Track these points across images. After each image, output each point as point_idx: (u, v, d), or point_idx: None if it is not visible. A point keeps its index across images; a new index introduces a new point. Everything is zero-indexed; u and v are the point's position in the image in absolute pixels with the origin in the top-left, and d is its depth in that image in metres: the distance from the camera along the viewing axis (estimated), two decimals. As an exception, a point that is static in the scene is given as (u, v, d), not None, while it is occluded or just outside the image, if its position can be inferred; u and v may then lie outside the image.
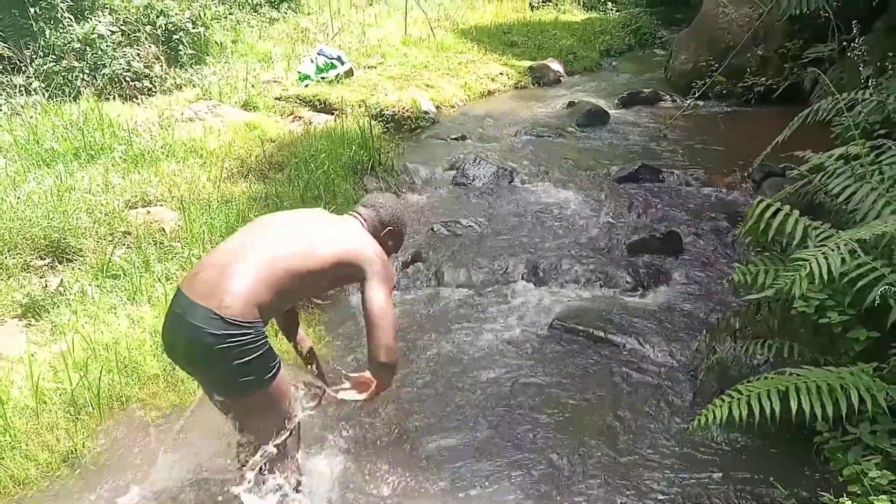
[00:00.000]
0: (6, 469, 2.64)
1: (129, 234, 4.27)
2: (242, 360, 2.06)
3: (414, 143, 6.78)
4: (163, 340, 2.28)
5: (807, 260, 2.40)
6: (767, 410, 2.29)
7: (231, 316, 2.04)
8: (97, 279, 3.82)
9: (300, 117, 6.92)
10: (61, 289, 3.69)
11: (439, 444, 2.88)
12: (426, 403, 3.14)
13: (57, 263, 3.99)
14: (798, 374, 2.41)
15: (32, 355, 3.17)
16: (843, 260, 2.39)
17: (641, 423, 2.96)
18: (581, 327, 3.61)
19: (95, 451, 2.82)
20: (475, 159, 5.93)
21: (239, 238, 2.31)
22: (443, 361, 3.44)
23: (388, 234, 2.53)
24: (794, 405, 2.28)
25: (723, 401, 2.39)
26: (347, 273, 2.33)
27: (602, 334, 3.55)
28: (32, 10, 6.97)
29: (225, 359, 2.05)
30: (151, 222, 4.39)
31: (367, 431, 2.96)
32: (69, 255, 4.03)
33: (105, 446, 2.86)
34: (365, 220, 2.49)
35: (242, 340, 2.05)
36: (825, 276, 2.35)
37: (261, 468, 2.35)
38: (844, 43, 5.56)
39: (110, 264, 3.89)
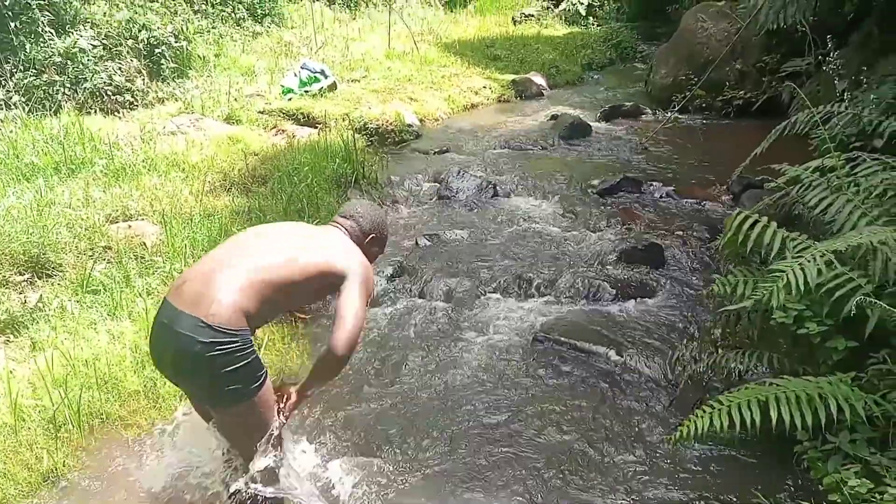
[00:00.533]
0: (-17, 489, 2.60)
1: (110, 248, 4.24)
2: (229, 368, 2.06)
3: (398, 156, 6.79)
4: (150, 351, 2.26)
5: (784, 271, 2.43)
6: (748, 420, 2.31)
7: (218, 324, 2.04)
8: (77, 294, 3.78)
9: (283, 131, 6.91)
10: (40, 304, 3.65)
11: (420, 455, 2.88)
12: (408, 415, 3.13)
13: (36, 279, 3.95)
14: (778, 384, 2.43)
15: (11, 372, 3.13)
16: (819, 271, 2.42)
17: (623, 434, 2.97)
18: (564, 339, 3.62)
19: (76, 470, 2.78)
20: (459, 172, 5.95)
21: (224, 249, 2.31)
22: (425, 374, 3.43)
23: (371, 242, 2.56)
24: (773, 415, 2.30)
25: (704, 411, 2.41)
26: (332, 283, 2.34)
27: (585, 345, 3.56)
28: (13, 24, 6.92)
29: (212, 366, 2.05)
30: (132, 237, 4.36)
31: (347, 443, 2.95)
32: (49, 270, 3.99)
33: (86, 464, 2.82)
34: (347, 231, 2.50)
35: (230, 348, 2.05)
36: (802, 287, 2.38)
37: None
38: (820, 57, 5.67)
39: (90, 279, 3.85)
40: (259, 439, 2.25)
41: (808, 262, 2.42)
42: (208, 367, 2.06)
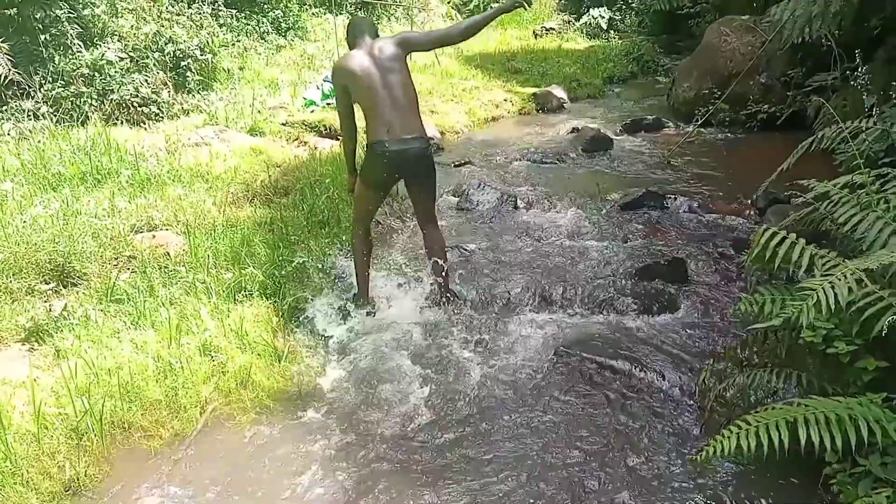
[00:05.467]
0: (6, 497, 2.61)
1: (134, 258, 4.28)
2: (432, 157, 3.89)
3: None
4: (384, 170, 3.78)
5: (814, 289, 2.39)
6: (776, 441, 2.26)
7: (424, 136, 3.77)
8: (101, 304, 3.81)
9: (305, 142, 6.97)
10: (65, 313, 3.69)
11: (437, 471, 2.85)
12: (426, 429, 3.11)
13: (61, 287, 3.99)
14: (806, 405, 2.38)
15: (35, 380, 3.15)
16: (850, 289, 2.37)
17: (647, 452, 2.93)
18: (586, 354, 3.59)
19: (98, 479, 2.79)
20: (479, 185, 5.94)
21: (384, 104, 3.67)
22: (445, 388, 3.41)
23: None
24: (802, 436, 2.25)
25: (731, 431, 2.36)
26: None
27: (607, 361, 3.52)
28: (43, 36, 7.06)
29: (430, 157, 3.86)
30: (156, 246, 4.40)
31: (367, 460, 2.93)
32: (74, 279, 4.03)
33: (108, 474, 2.83)
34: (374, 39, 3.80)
35: (431, 148, 3.87)
36: (833, 306, 2.34)
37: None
38: (847, 71, 5.60)
39: (114, 289, 3.89)
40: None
41: (839, 280, 2.38)
42: (429, 158, 3.84)
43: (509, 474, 2.83)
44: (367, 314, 4.03)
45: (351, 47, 3.84)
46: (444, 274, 4.05)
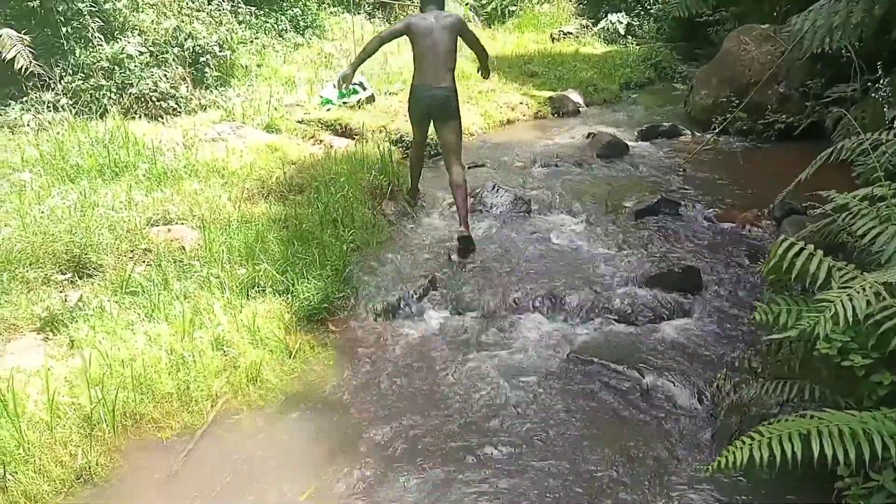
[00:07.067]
0: (19, 484, 2.63)
1: (150, 251, 4.31)
2: (456, 103, 5.04)
3: (433, 169, 6.79)
4: (419, 108, 5.11)
5: (831, 301, 2.37)
6: (789, 453, 2.24)
7: (452, 87, 5.00)
8: (116, 295, 3.85)
9: (321, 141, 6.98)
10: (80, 304, 3.72)
11: (445, 473, 2.85)
12: (436, 434, 3.11)
13: (77, 278, 4.03)
14: (820, 418, 2.36)
15: (49, 369, 3.18)
16: (868, 302, 2.35)
17: (658, 461, 2.92)
18: (598, 360, 3.58)
19: (109, 469, 2.81)
20: (493, 187, 5.94)
21: (430, 58, 4.92)
22: (455, 390, 3.41)
23: None
24: (816, 448, 2.23)
25: (743, 442, 2.34)
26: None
27: (620, 368, 3.51)
28: (64, 29, 7.12)
29: (454, 101, 5.03)
30: (172, 240, 4.43)
31: (377, 461, 2.94)
32: (90, 270, 4.07)
33: (119, 464, 2.85)
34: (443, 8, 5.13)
35: (456, 96, 5.02)
36: (850, 319, 2.32)
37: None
38: (868, 83, 5.55)
39: (129, 281, 3.92)
40: (461, 143, 5.20)
41: (857, 292, 2.36)
42: (454, 103, 5.01)
43: (518, 477, 2.83)
44: (412, 203, 5.49)
45: (421, 11, 5.12)
46: (465, 207, 4.96)
